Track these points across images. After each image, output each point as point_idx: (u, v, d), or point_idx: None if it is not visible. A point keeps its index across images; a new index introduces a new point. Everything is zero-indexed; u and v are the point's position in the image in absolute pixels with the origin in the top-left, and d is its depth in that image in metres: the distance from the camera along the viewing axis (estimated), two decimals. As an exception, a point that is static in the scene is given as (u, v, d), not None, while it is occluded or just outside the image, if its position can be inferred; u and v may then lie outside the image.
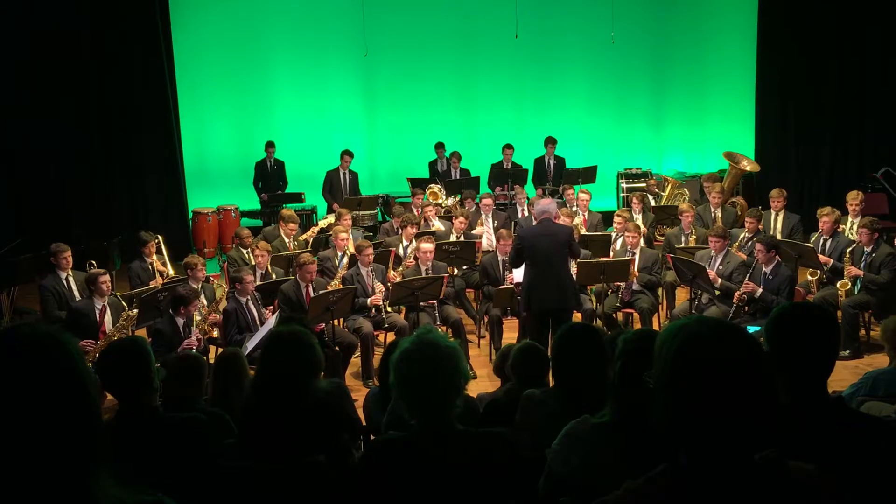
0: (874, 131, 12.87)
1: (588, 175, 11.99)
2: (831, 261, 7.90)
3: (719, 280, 7.43)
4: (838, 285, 7.60)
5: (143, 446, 2.96)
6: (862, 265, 7.58)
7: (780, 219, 9.04)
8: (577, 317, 7.30)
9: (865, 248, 7.61)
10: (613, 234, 8.80)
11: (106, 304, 6.88)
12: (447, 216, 10.18)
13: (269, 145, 12.42)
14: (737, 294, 7.24)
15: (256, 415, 2.97)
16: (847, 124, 12.92)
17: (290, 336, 3.10)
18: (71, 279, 7.63)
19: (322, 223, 9.71)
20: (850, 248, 7.73)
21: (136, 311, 6.80)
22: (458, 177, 12.13)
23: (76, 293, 7.56)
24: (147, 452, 2.93)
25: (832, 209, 8.22)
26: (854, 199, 8.70)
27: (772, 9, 12.82)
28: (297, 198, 12.23)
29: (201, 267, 7.40)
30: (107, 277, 6.93)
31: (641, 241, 8.31)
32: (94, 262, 7.95)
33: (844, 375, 6.20)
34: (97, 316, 6.82)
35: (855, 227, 8.32)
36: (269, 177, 12.45)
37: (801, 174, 13.01)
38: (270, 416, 2.91)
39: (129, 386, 3.11)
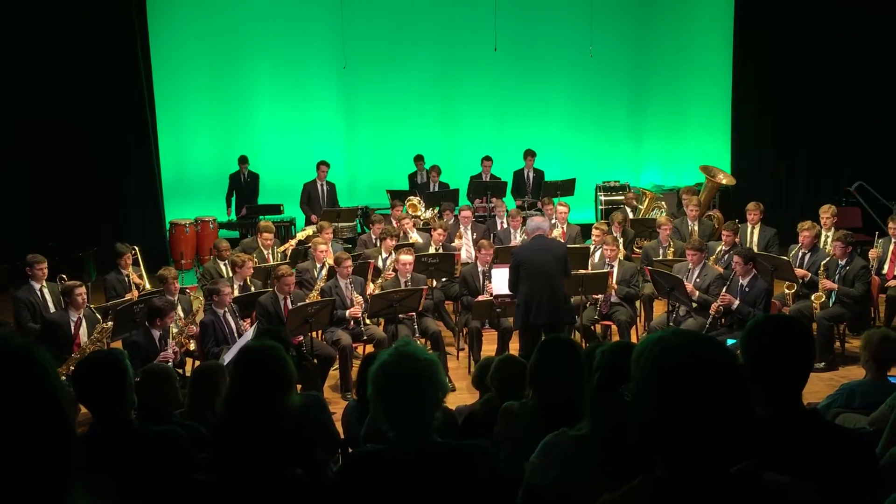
0: (848, 146, 13.07)
1: (567, 188, 12.05)
2: (809, 274, 7.97)
3: (697, 293, 7.48)
4: (813, 298, 7.68)
5: (118, 460, 2.92)
6: (836, 278, 7.67)
7: (756, 232, 9.13)
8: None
9: (839, 262, 7.70)
10: (592, 247, 8.84)
11: (81, 316, 6.81)
12: (426, 228, 10.18)
13: (243, 160, 12.38)
14: (714, 306, 7.29)
15: (229, 430, 2.95)
16: (821, 139, 13.11)
17: (261, 351, 3.08)
18: (46, 290, 7.55)
19: (300, 235, 9.67)
20: (824, 262, 7.82)
21: (110, 323, 6.73)
22: (436, 189, 12.15)
23: (51, 305, 7.47)
24: (122, 466, 2.90)
25: (812, 223, 8.28)
26: (825, 212, 8.80)
27: (748, 25, 13.01)
28: (276, 209, 12.19)
29: (172, 279, 7.34)
30: (82, 289, 6.86)
31: (620, 253, 8.36)
32: (65, 277, 7.86)
33: (819, 387, 6.25)
34: (72, 328, 6.74)
35: (829, 240, 8.41)
36: (243, 189, 12.42)
37: (775, 188, 13.18)
38: (241, 431, 2.89)
39: (103, 399, 3.07)
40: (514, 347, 7.30)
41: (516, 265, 6.80)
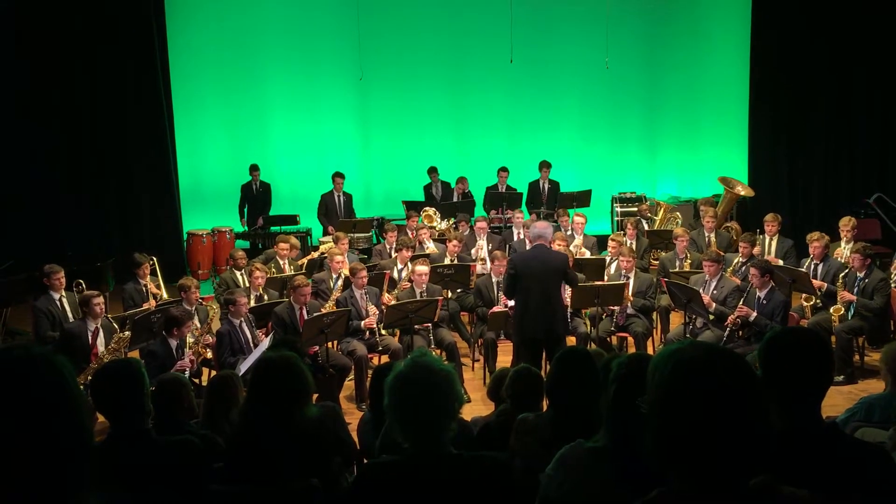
0: (867, 157, 12.99)
1: (582, 199, 12.04)
2: (825, 285, 7.93)
3: (713, 304, 7.44)
4: (831, 310, 7.62)
5: (135, 469, 2.94)
6: (855, 290, 7.60)
7: (774, 243, 9.07)
8: (570, 340, 7.26)
9: (858, 274, 7.64)
10: (608, 258, 8.81)
11: (99, 325, 6.85)
12: (441, 239, 10.19)
13: (254, 168, 12.45)
14: (731, 318, 7.24)
15: (245, 440, 2.95)
16: (839, 151, 13.03)
17: (279, 362, 3.09)
18: (64, 300, 7.61)
19: (323, 247, 9.69)
20: (843, 274, 7.76)
21: (128, 332, 6.78)
22: (460, 199, 12.18)
23: (69, 314, 7.52)
24: (138, 475, 2.91)
25: (821, 234, 8.24)
26: (846, 224, 8.75)
27: (764, 38, 12.95)
28: (293, 220, 12.24)
29: (195, 289, 7.39)
30: (100, 299, 6.90)
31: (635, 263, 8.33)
32: (82, 282, 7.93)
33: (839, 401, 6.19)
34: (89, 338, 6.79)
35: (848, 252, 8.35)
36: (255, 199, 12.48)
37: (793, 199, 13.11)
38: (259, 441, 2.89)
39: (121, 408, 3.09)
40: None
41: (513, 273, 6.65)
